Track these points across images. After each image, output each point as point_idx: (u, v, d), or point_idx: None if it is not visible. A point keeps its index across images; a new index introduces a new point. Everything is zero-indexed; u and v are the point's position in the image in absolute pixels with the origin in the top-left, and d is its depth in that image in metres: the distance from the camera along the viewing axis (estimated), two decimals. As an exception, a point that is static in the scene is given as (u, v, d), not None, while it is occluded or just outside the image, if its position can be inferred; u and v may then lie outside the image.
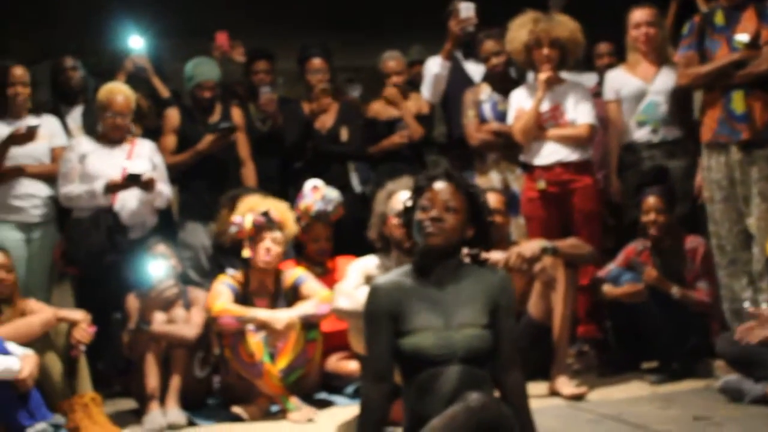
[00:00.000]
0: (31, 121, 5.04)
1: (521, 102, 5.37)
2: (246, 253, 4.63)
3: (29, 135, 4.96)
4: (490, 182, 5.52)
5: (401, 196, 4.06)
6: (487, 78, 5.75)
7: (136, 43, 6.06)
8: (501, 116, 5.57)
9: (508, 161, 5.61)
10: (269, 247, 4.62)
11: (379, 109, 6.00)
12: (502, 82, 5.65)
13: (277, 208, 4.74)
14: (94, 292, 5.03)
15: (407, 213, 2.98)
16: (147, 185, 5.04)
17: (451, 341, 2.79)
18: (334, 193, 5.14)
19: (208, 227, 5.37)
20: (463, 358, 2.79)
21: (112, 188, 5.02)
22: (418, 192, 2.93)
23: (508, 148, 5.55)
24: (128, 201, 5.13)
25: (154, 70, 6.12)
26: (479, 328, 2.83)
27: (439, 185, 2.89)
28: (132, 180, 5.00)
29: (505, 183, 5.60)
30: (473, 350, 2.80)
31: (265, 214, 4.65)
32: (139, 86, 5.71)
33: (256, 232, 4.63)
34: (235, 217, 4.68)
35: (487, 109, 5.63)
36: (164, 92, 6.12)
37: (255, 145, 5.83)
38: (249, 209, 4.68)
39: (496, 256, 4.23)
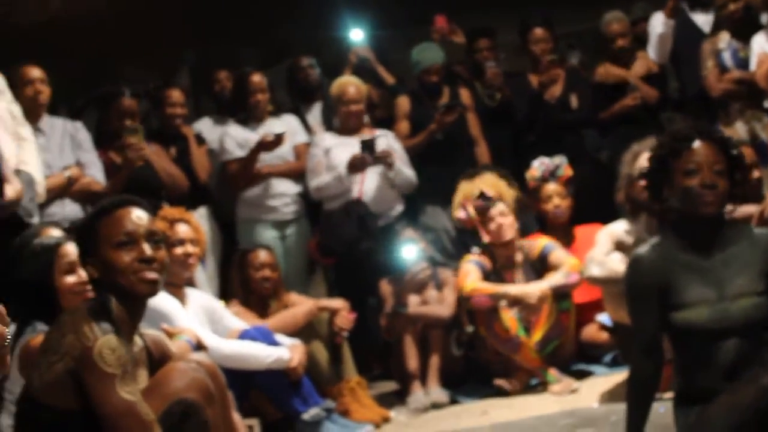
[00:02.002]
0: (276, 127, 5.29)
1: (764, 46, 5.10)
2: (485, 238, 4.68)
3: (277, 142, 5.19)
4: (736, 134, 5.25)
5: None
6: (725, 25, 5.48)
7: (356, 35, 6.22)
8: (742, 64, 5.31)
9: (753, 109, 5.33)
10: (500, 222, 4.64)
11: (605, 72, 5.85)
12: (742, 28, 5.37)
13: (488, 183, 4.75)
14: (349, 279, 5.23)
15: (657, 175, 2.84)
16: (384, 158, 5.14)
17: (727, 314, 2.65)
18: (556, 160, 5.11)
19: (447, 209, 5.43)
20: (740, 330, 2.64)
21: (354, 166, 5.14)
22: (674, 153, 2.73)
23: (752, 96, 5.27)
24: (374, 189, 5.27)
25: (379, 58, 6.25)
26: (756, 296, 2.65)
27: (700, 145, 2.68)
28: (366, 148, 5.11)
29: (752, 133, 5.32)
30: (751, 321, 2.64)
31: (481, 195, 4.68)
32: (366, 77, 5.85)
33: (482, 215, 4.66)
34: (458, 212, 4.75)
35: (727, 58, 5.37)
36: (389, 79, 6.24)
37: (485, 122, 5.84)
38: (464, 198, 4.74)
39: (748, 209, 4.02)
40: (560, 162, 5.11)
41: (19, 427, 2.65)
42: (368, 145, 5.12)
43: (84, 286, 3.12)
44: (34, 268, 3.16)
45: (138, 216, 2.64)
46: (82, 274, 3.11)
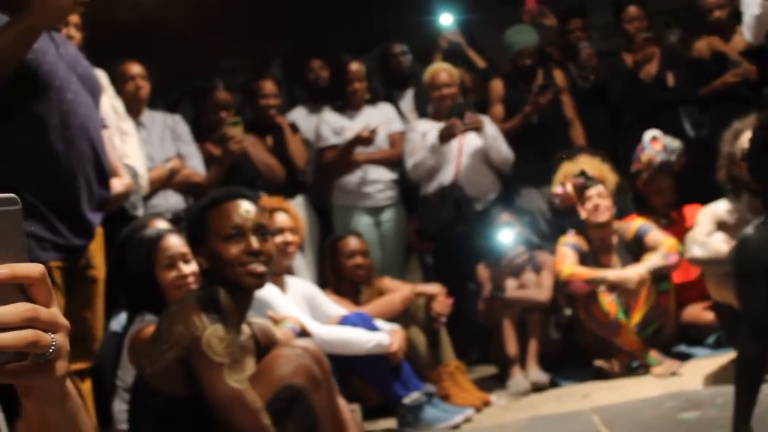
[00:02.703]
0: (373, 116, 5.34)
1: None
2: (582, 213, 4.63)
3: (371, 138, 5.22)
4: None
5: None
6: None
7: (446, 20, 6.21)
8: None
9: None
10: (597, 203, 4.59)
11: (703, 47, 5.72)
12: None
13: (590, 164, 4.69)
14: (446, 264, 5.24)
15: (758, 156, 2.77)
16: (474, 123, 5.12)
17: None
18: (675, 143, 4.97)
19: (543, 191, 5.39)
20: None
21: (445, 136, 5.12)
22: None
23: None
24: (470, 172, 5.26)
25: (469, 42, 6.23)
26: None
27: None
28: (455, 111, 5.10)
29: None
30: None
31: (582, 174, 4.62)
32: (457, 62, 5.83)
33: (580, 194, 4.61)
34: (556, 188, 4.71)
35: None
36: (480, 63, 6.22)
37: (579, 103, 5.78)
38: (564, 176, 4.69)
39: None
40: (679, 149, 4.96)
41: (133, 413, 2.74)
42: (458, 110, 5.11)
43: (184, 280, 3.20)
44: (137, 262, 3.26)
45: (246, 209, 2.70)
46: (183, 267, 3.20)
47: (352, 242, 4.70)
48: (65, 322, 1.04)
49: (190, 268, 3.22)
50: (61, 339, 1.03)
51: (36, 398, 1.06)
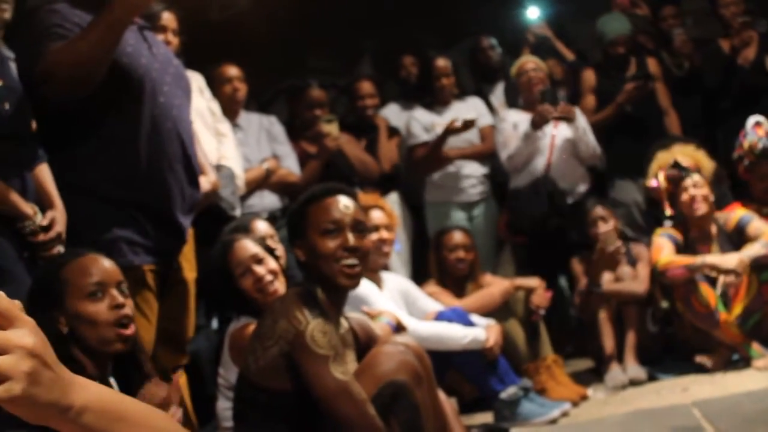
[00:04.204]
0: (462, 111, 5.34)
1: None
2: (667, 212, 4.57)
3: (465, 127, 5.21)
4: None
5: None
6: None
7: (533, 13, 6.19)
8: None
9: None
10: (693, 194, 4.50)
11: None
12: None
13: (684, 153, 4.62)
14: (539, 257, 5.22)
15: None
16: (566, 112, 5.09)
17: None
18: None
19: (638, 182, 5.33)
20: None
21: (538, 122, 5.08)
22: None
23: None
24: (561, 164, 5.24)
25: (557, 35, 6.19)
26: None
27: None
28: (547, 98, 5.08)
29: None
30: None
31: (675, 165, 4.55)
32: (546, 55, 5.80)
33: (674, 186, 4.54)
34: (651, 181, 4.64)
35: None
36: (569, 55, 6.18)
37: (674, 91, 5.70)
38: (659, 168, 4.63)
39: None
40: None
41: (238, 410, 2.80)
42: (549, 96, 5.09)
43: (261, 282, 3.24)
44: (215, 275, 3.32)
45: (345, 205, 2.75)
46: (258, 270, 3.25)
47: (457, 236, 4.73)
48: (22, 342, 1.02)
49: (266, 267, 3.27)
50: (9, 361, 1.01)
51: (36, 419, 1.05)
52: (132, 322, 2.41)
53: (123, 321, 2.38)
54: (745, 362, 4.29)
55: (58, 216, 2.68)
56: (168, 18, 4.19)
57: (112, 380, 2.40)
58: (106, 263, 2.42)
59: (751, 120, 4.87)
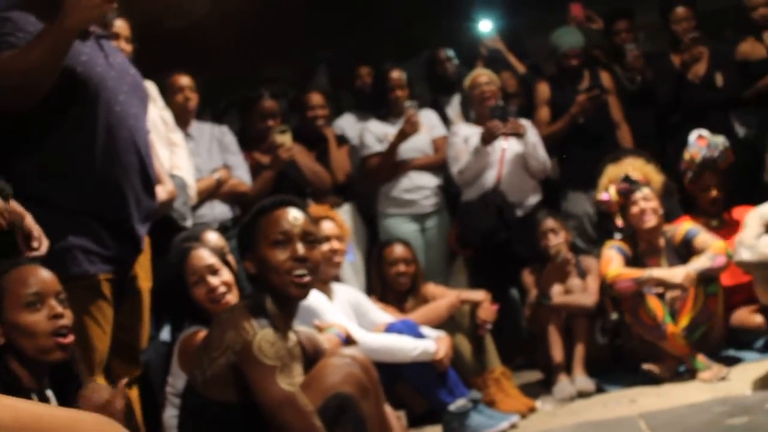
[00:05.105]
0: (409, 109, 5.32)
1: None
2: (619, 222, 4.63)
3: (414, 126, 5.22)
4: None
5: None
6: None
7: (485, 27, 6.24)
8: None
9: None
10: (643, 207, 4.56)
11: (748, 49, 5.67)
12: None
13: (634, 166, 4.68)
14: (489, 270, 5.25)
15: None
16: (515, 126, 5.13)
17: None
18: (719, 139, 4.93)
19: (590, 194, 5.38)
20: None
21: (487, 138, 5.13)
22: None
23: None
24: (511, 178, 5.27)
25: (510, 47, 6.24)
26: None
27: None
28: (497, 114, 5.10)
29: None
30: None
31: (626, 178, 4.61)
32: (499, 68, 5.84)
33: (626, 199, 4.60)
34: (601, 195, 4.70)
35: None
36: (521, 68, 6.25)
37: (627, 105, 5.77)
38: (609, 181, 4.69)
39: None
40: (723, 146, 4.92)
41: (183, 420, 2.79)
42: (500, 112, 5.12)
43: (215, 293, 3.26)
44: (169, 282, 3.32)
45: (294, 216, 2.76)
46: (212, 280, 3.26)
47: (397, 250, 4.74)
48: None
49: (220, 278, 3.29)
50: None
51: None
52: (71, 332, 2.39)
53: (61, 331, 2.36)
54: (690, 374, 4.35)
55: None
56: (121, 25, 4.17)
57: (49, 393, 2.38)
58: (45, 273, 2.40)
59: (694, 133, 4.97)
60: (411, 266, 4.72)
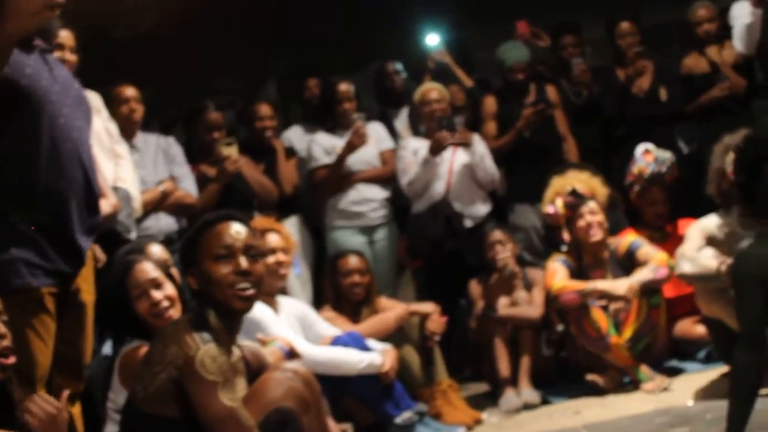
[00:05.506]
0: (357, 121, 5.33)
1: None
2: (566, 236, 4.67)
3: (361, 138, 5.23)
4: (827, 122, 5.15)
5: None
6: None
7: (432, 40, 6.27)
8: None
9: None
10: (589, 221, 4.62)
11: (693, 63, 5.77)
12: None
13: (579, 180, 4.74)
14: (438, 281, 5.28)
15: (745, 175, 2.81)
16: (463, 137, 5.17)
17: None
18: (666, 154, 5.02)
19: (536, 207, 5.42)
20: None
21: (435, 148, 5.16)
22: (759, 156, 2.75)
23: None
24: (460, 189, 5.30)
25: (457, 61, 6.28)
26: None
27: None
28: (445, 125, 5.13)
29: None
30: None
31: (573, 192, 4.66)
32: (447, 81, 5.87)
33: (572, 212, 4.65)
34: (547, 207, 4.75)
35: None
36: (468, 82, 6.28)
37: (573, 119, 5.82)
38: (554, 194, 4.73)
39: None
40: (670, 161, 5.01)
41: (124, 436, 2.76)
42: (447, 123, 5.15)
43: (158, 307, 3.24)
44: (111, 295, 3.28)
45: (237, 230, 2.75)
46: (155, 294, 3.24)
47: (352, 261, 4.73)
48: None
49: (163, 292, 3.26)
50: None
51: None
52: (12, 352, 2.36)
53: (3, 352, 2.33)
54: (634, 385, 4.41)
55: None
56: (65, 36, 4.13)
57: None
58: None
59: (640, 147, 5.04)
60: (365, 277, 4.72)
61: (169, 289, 3.29)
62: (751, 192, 2.79)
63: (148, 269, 3.29)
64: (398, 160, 5.40)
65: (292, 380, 2.75)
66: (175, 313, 3.25)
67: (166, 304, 3.24)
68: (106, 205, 3.38)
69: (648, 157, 4.99)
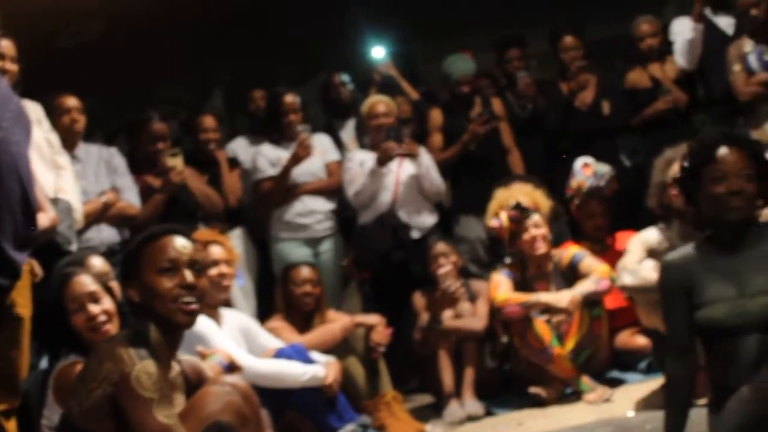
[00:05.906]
0: (302, 133, 5.31)
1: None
2: (509, 249, 4.71)
3: (306, 150, 5.22)
4: (765, 136, 5.21)
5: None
6: (748, 29, 5.44)
7: (378, 53, 6.29)
8: (768, 66, 5.27)
9: (781, 111, 5.30)
10: (534, 234, 4.66)
11: (636, 78, 5.85)
12: (764, 32, 5.33)
13: (523, 192, 4.78)
14: (384, 292, 5.29)
15: (688, 182, 2.86)
16: (410, 148, 5.19)
17: (745, 310, 2.66)
18: (605, 168, 5.08)
19: (481, 219, 5.45)
20: (760, 326, 2.64)
21: (383, 159, 5.17)
22: (701, 161, 2.76)
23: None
24: (407, 199, 5.32)
25: (404, 74, 6.30)
26: None
27: (726, 152, 2.71)
28: (392, 135, 5.15)
29: (781, 135, 5.28)
30: None
31: (517, 206, 4.69)
32: (392, 94, 5.89)
33: (516, 225, 4.68)
34: (492, 221, 4.78)
35: (753, 61, 5.32)
36: (413, 94, 6.31)
37: (517, 131, 5.87)
38: (498, 206, 4.76)
39: None
40: (609, 175, 5.07)
41: (60, 454, 2.72)
42: (395, 134, 5.17)
43: (95, 321, 3.20)
44: (48, 308, 3.24)
45: (182, 244, 2.73)
46: (92, 308, 3.20)
47: (304, 271, 4.75)
48: None
49: (100, 306, 3.23)
50: None
51: None
52: None
53: None
54: (576, 396, 4.44)
55: None
56: (6, 45, 4.08)
57: None
58: None
59: (580, 161, 5.10)
60: (317, 288, 4.73)
61: (107, 303, 3.25)
62: (693, 198, 2.83)
63: (86, 282, 3.25)
64: (345, 171, 5.40)
65: (230, 394, 2.72)
66: (113, 327, 3.21)
67: (103, 318, 3.20)
68: (44, 219, 3.33)
69: (587, 171, 5.05)
